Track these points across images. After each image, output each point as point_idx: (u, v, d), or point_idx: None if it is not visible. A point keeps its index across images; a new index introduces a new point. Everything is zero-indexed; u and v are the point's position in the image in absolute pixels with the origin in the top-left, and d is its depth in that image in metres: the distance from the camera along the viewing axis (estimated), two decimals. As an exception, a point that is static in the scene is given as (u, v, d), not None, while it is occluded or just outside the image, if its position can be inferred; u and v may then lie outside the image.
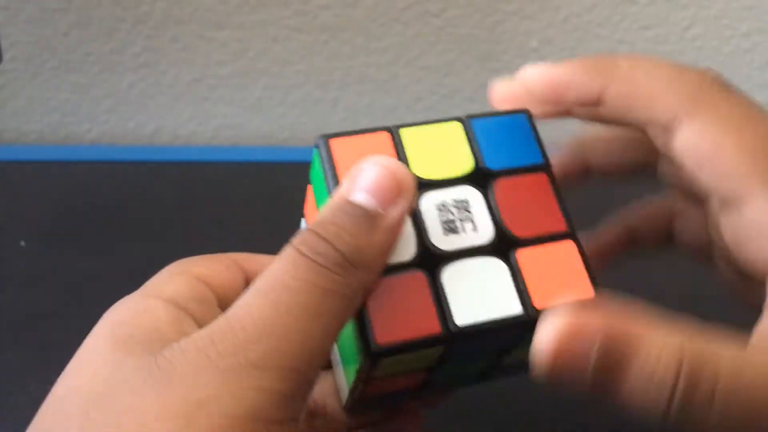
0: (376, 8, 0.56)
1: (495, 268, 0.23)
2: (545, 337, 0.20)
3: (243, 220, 0.46)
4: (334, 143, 0.24)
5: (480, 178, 0.24)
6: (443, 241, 0.23)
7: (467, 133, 0.25)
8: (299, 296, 0.20)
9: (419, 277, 0.22)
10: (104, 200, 0.49)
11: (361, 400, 0.24)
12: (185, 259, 0.25)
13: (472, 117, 0.25)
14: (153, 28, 0.56)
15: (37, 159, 0.54)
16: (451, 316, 0.22)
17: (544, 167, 0.25)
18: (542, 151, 0.25)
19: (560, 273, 0.23)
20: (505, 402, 0.24)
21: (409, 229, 0.23)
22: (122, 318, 0.22)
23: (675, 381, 0.19)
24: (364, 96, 0.59)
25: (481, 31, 0.57)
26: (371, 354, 0.21)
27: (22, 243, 0.44)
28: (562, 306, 0.20)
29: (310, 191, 0.26)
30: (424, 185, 0.24)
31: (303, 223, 0.28)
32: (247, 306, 0.20)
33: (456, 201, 0.24)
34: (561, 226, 0.24)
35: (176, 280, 0.24)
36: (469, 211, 0.23)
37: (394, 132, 0.24)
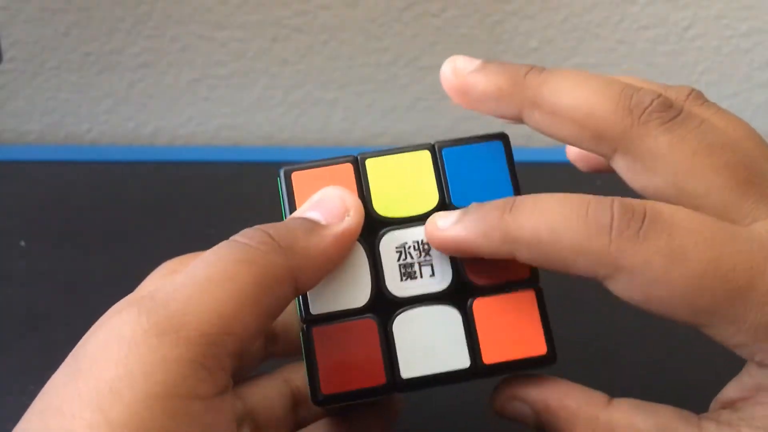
0: (376, 8, 0.56)
1: (448, 316, 0.23)
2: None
3: (243, 220, 0.46)
4: (296, 176, 0.24)
5: None
6: (399, 287, 0.23)
7: (436, 164, 0.24)
8: (212, 267, 0.20)
9: (370, 324, 0.22)
10: (104, 200, 0.49)
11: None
12: (175, 258, 0.25)
13: (443, 144, 0.24)
14: (153, 28, 0.56)
15: (37, 159, 0.54)
16: (397, 367, 0.22)
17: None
18: (515, 185, 0.24)
19: (514, 326, 0.23)
20: (482, 401, 0.24)
21: (365, 272, 0.23)
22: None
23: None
24: (364, 96, 0.59)
25: (481, 31, 0.57)
26: (316, 401, 0.22)
27: (22, 243, 0.44)
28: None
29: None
30: (385, 224, 0.23)
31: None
32: (171, 291, 0.20)
33: (417, 243, 0.23)
34: (524, 272, 0.23)
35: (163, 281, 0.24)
36: (430, 255, 0.23)
37: (358, 163, 0.24)
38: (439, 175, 0.24)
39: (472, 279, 0.23)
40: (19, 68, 0.57)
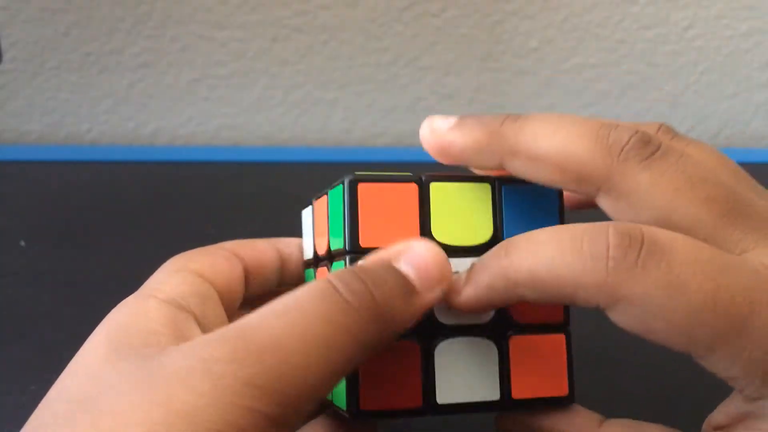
0: (376, 8, 0.56)
1: (486, 349, 0.23)
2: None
3: (243, 220, 0.46)
4: (362, 188, 0.23)
5: None
6: (445, 315, 0.23)
7: (494, 198, 0.24)
8: (316, 326, 0.19)
9: (413, 347, 0.23)
10: (104, 200, 0.49)
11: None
12: (181, 254, 0.25)
13: (504, 181, 0.24)
14: (153, 28, 0.56)
15: (37, 159, 0.54)
16: (434, 392, 0.23)
17: None
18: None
19: (543, 366, 0.24)
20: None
21: None
22: (119, 321, 0.21)
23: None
24: (364, 96, 0.59)
25: (481, 31, 0.57)
26: (352, 414, 0.22)
27: (22, 243, 0.44)
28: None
29: (321, 207, 0.26)
30: (443, 250, 0.23)
31: (307, 231, 0.27)
32: (259, 319, 0.19)
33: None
34: (558, 317, 0.24)
35: (174, 277, 0.23)
36: None
37: (423, 185, 0.24)
38: (496, 209, 0.24)
39: (514, 316, 0.24)
40: (19, 68, 0.57)
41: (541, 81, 0.59)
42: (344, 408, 0.23)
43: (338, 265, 0.24)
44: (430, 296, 0.21)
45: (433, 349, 0.23)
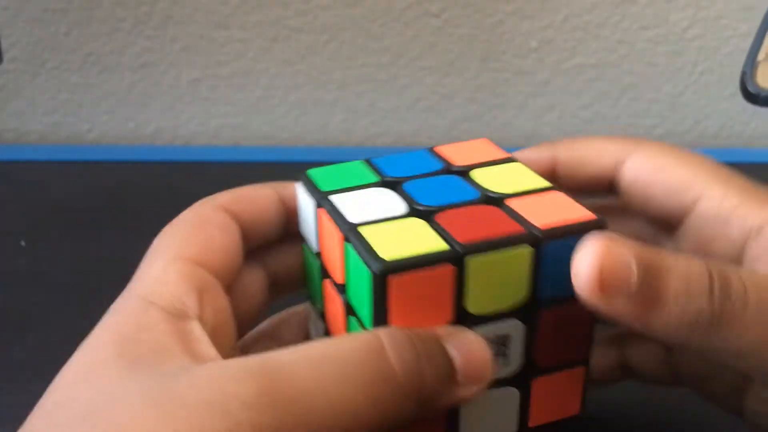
0: (376, 8, 0.56)
1: (508, 394, 0.23)
2: (585, 262, 0.19)
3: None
4: (393, 281, 0.20)
5: (529, 309, 0.22)
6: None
7: (534, 261, 0.21)
8: (353, 392, 0.18)
9: None
10: (104, 200, 0.49)
11: None
12: (171, 230, 0.24)
13: (551, 235, 0.21)
14: (153, 28, 0.56)
15: (37, 159, 0.54)
16: None
17: None
18: None
19: (562, 395, 0.24)
20: None
21: None
22: (123, 331, 0.20)
23: (710, 290, 0.20)
24: (364, 96, 0.59)
25: (481, 31, 0.57)
26: None
27: (22, 243, 0.44)
28: (592, 238, 0.20)
29: (331, 228, 0.23)
30: (473, 320, 0.21)
31: (307, 220, 0.25)
32: (292, 364, 0.18)
33: (498, 336, 0.22)
34: (582, 354, 0.24)
35: (170, 272, 0.22)
36: (506, 346, 0.22)
37: (459, 262, 0.20)
38: (536, 271, 0.22)
39: (539, 363, 0.23)
40: (20, 68, 0.57)
41: (541, 81, 0.59)
42: None
43: (357, 328, 0.22)
44: (468, 391, 0.20)
45: (459, 408, 0.22)
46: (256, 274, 0.26)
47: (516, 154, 0.26)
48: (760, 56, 0.33)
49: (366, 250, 0.20)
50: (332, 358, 0.18)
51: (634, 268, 0.19)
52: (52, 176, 0.51)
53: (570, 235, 0.21)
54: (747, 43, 0.60)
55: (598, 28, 0.58)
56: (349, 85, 0.59)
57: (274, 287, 0.26)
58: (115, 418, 0.18)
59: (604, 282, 0.19)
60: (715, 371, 0.26)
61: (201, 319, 0.22)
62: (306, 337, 0.27)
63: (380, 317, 0.20)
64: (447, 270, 0.20)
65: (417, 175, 0.24)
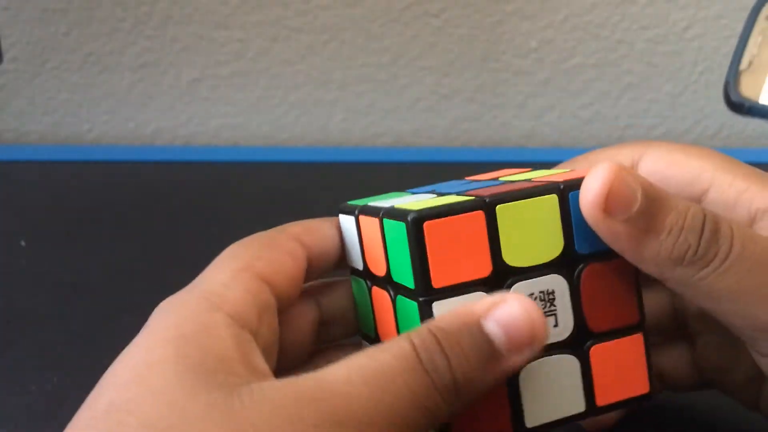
0: (376, 8, 0.56)
1: (567, 363, 0.23)
2: (596, 181, 0.21)
3: (243, 220, 0.46)
4: (428, 227, 0.21)
5: (568, 263, 0.23)
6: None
7: (562, 209, 0.22)
8: (401, 405, 0.19)
9: None
10: (104, 200, 0.49)
11: None
12: (246, 243, 0.24)
13: (570, 186, 0.22)
14: (153, 28, 0.56)
15: (37, 159, 0.54)
16: (522, 417, 0.22)
17: None
18: None
19: (624, 368, 0.24)
20: None
21: None
22: (187, 336, 0.20)
23: (701, 231, 0.21)
24: (364, 96, 0.59)
25: (481, 31, 0.57)
26: None
27: (22, 243, 0.44)
28: (604, 165, 0.21)
29: (370, 226, 0.24)
30: (513, 272, 0.22)
31: (350, 239, 0.26)
32: (348, 385, 0.19)
33: (543, 293, 0.22)
34: (634, 317, 0.24)
35: (238, 281, 0.22)
36: (554, 305, 0.23)
37: (489, 209, 0.22)
38: (565, 219, 0.22)
39: (591, 326, 0.23)
40: (20, 68, 0.57)
41: (541, 81, 0.59)
42: None
43: (405, 304, 0.23)
44: (516, 360, 0.20)
45: (518, 374, 0.22)
46: (309, 308, 0.26)
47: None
48: (743, 65, 0.33)
49: (400, 212, 0.22)
50: (381, 376, 0.19)
51: (639, 195, 0.21)
52: (52, 176, 0.51)
53: None
54: (747, 43, 0.60)
55: (598, 28, 0.58)
56: (349, 85, 0.59)
57: (323, 327, 0.26)
58: None
59: (610, 201, 0.21)
60: (733, 362, 0.26)
61: (255, 334, 0.22)
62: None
63: (423, 270, 0.21)
64: (478, 216, 0.22)
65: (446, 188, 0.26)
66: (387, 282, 0.24)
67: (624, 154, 0.26)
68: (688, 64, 0.59)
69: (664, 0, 0.57)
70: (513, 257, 0.22)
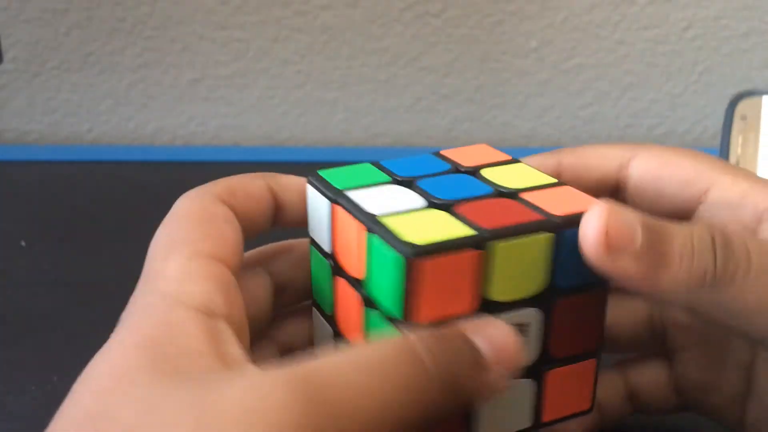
0: (376, 8, 0.56)
1: (524, 386, 0.23)
2: (592, 224, 0.20)
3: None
4: (422, 265, 0.20)
5: (547, 297, 0.22)
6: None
7: (554, 247, 0.22)
8: (397, 392, 0.19)
9: None
10: (104, 200, 0.49)
11: None
12: (178, 220, 0.23)
13: (570, 223, 0.22)
14: (153, 28, 0.56)
15: (37, 159, 0.54)
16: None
17: (605, 282, 0.23)
18: None
19: (573, 388, 0.24)
20: None
21: None
22: (152, 335, 0.20)
23: (713, 249, 0.21)
24: (364, 96, 0.59)
25: (481, 32, 0.57)
26: None
27: (22, 243, 0.44)
28: (597, 206, 0.21)
29: (347, 222, 0.23)
30: (499, 308, 0.22)
31: (319, 220, 0.25)
32: (337, 371, 0.19)
33: (517, 325, 0.22)
34: (593, 344, 0.24)
35: (192, 269, 0.21)
36: (527, 337, 0.23)
37: (488, 247, 0.21)
38: (555, 257, 0.22)
39: (553, 353, 0.23)
40: (20, 68, 0.57)
41: (541, 81, 0.59)
42: None
43: (380, 320, 0.22)
44: (501, 373, 0.20)
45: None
46: (263, 278, 0.25)
47: (520, 161, 0.26)
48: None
49: (393, 237, 0.20)
50: (375, 364, 0.19)
51: (639, 228, 0.20)
52: (52, 176, 0.51)
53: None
54: (747, 43, 0.60)
55: (597, 28, 0.58)
56: (349, 85, 0.59)
57: (275, 295, 0.26)
58: None
59: (611, 240, 0.20)
60: (716, 380, 0.26)
61: (228, 319, 0.21)
62: (305, 276, 0.27)
63: (410, 304, 0.20)
64: (473, 255, 0.21)
65: (428, 175, 0.25)
66: (360, 287, 0.23)
67: (614, 155, 0.26)
68: (688, 64, 0.59)
69: (664, 0, 0.57)
70: (499, 293, 0.22)
